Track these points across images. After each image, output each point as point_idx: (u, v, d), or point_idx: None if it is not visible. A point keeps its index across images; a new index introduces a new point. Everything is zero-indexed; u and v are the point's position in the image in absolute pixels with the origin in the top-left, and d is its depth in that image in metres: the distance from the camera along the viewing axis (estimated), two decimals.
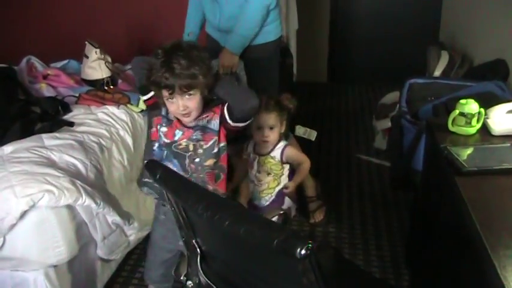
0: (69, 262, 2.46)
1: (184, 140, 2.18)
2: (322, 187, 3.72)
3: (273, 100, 2.78)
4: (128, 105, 3.13)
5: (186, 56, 2.02)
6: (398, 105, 3.55)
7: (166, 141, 2.21)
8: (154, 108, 2.26)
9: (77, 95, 3.22)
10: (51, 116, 2.85)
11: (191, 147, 2.18)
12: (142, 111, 3.13)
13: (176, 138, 2.19)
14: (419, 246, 2.84)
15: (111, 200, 2.61)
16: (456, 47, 4.58)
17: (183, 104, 2.07)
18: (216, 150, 2.20)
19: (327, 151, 4.58)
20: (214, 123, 2.17)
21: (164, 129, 2.22)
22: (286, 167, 2.96)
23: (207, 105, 2.17)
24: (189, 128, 2.18)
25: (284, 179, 2.94)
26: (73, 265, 2.51)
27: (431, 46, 4.50)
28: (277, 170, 2.91)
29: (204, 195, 1.53)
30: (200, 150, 2.18)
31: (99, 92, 3.24)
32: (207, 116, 2.17)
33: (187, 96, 2.07)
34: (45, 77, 3.37)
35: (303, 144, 3.58)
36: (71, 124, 2.81)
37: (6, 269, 2.38)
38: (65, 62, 3.68)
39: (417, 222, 2.93)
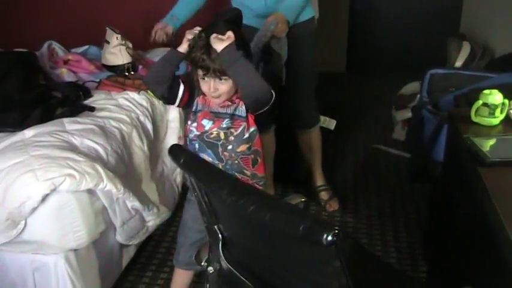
0: (88, 247, 2.46)
1: (215, 129, 2.19)
2: (339, 177, 3.72)
3: None
4: (148, 91, 3.12)
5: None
6: (419, 96, 3.53)
7: (197, 133, 2.22)
8: (188, 106, 2.28)
9: (98, 80, 3.23)
10: (72, 101, 2.86)
11: (222, 135, 2.19)
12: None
13: (207, 128, 2.20)
14: (437, 238, 2.82)
15: (131, 186, 2.61)
16: (477, 39, 4.54)
17: (214, 86, 2.11)
18: (246, 135, 2.21)
19: (345, 141, 4.57)
20: (241, 110, 2.18)
21: (194, 123, 2.24)
22: None
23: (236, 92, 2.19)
24: (218, 117, 2.19)
25: None
26: (92, 250, 2.52)
27: (452, 37, 4.47)
28: None
29: (227, 181, 1.52)
30: (231, 138, 2.19)
31: (119, 77, 3.24)
32: (234, 103, 2.18)
33: (219, 80, 2.10)
34: (65, 62, 3.38)
35: (323, 133, 3.58)
36: (92, 109, 2.81)
37: (27, 253, 2.39)
38: (86, 47, 3.69)
39: (436, 213, 2.91)
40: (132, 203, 2.58)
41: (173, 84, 2.21)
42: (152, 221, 2.82)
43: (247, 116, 2.19)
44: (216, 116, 2.20)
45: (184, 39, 2.16)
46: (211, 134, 2.20)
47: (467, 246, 2.28)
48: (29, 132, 2.51)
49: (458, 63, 4.19)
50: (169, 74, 2.19)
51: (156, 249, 3.19)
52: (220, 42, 2.05)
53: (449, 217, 2.60)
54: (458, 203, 2.44)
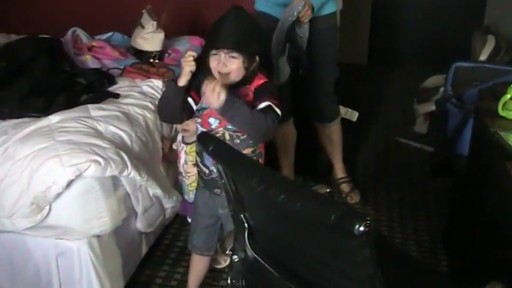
0: (111, 233, 2.47)
1: (221, 128, 2.18)
2: (360, 169, 3.70)
3: None
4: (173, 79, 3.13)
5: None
6: (443, 89, 3.51)
7: (204, 129, 2.21)
8: None
9: (122, 67, 3.23)
10: (97, 88, 2.86)
11: (227, 137, 2.18)
12: None
13: (213, 126, 2.19)
14: (460, 231, 2.80)
15: (153, 173, 2.62)
16: (502, 33, 4.50)
17: (223, 61, 2.09)
18: (252, 140, 2.22)
19: (366, 133, 4.54)
20: None
21: (199, 120, 2.24)
22: None
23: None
24: None
25: None
26: (114, 236, 2.52)
27: (477, 31, 4.43)
28: None
29: (257, 169, 1.52)
30: (237, 141, 2.19)
31: (143, 65, 3.24)
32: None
33: (229, 57, 2.09)
34: (90, 48, 3.38)
35: (344, 125, 3.57)
36: (117, 96, 2.81)
37: (51, 238, 2.39)
38: (110, 34, 3.68)
39: (458, 207, 2.89)
40: (154, 190, 2.59)
41: (185, 104, 2.21)
42: (170, 208, 2.83)
43: None
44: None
45: (182, 71, 2.16)
46: (217, 133, 2.19)
47: (493, 240, 2.26)
48: (54, 118, 2.51)
49: (483, 57, 4.16)
50: (179, 107, 2.20)
51: (176, 237, 3.19)
52: (214, 97, 2.03)
53: (473, 211, 2.58)
54: (484, 197, 2.42)
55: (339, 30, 3.33)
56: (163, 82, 3.07)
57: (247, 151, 2.20)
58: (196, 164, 2.35)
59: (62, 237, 2.39)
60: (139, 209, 2.59)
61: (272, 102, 2.13)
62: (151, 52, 3.36)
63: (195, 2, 4.13)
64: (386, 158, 4.17)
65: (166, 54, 3.51)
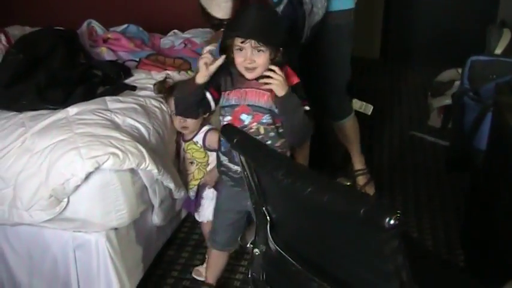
0: (128, 226, 2.47)
1: (255, 123, 2.16)
2: (375, 163, 3.68)
3: None
4: (189, 71, 3.12)
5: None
6: (459, 83, 3.48)
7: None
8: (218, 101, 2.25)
9: (137, 59, 3.21)
10: (113, 80, 2.85)
11: (262, 130, 2.16)
12: None
13: (246, 122, 2.16)
14: (477, 226, 2.78)
15: (168, 166, 2.61)
16: None
17: (251, 58, 2.05)
18: (290, 140, 2.23)
19: (380, 127, 4.52)
20: None
21: (228, 117, 2.20)
22: (212, 155, 2.67)
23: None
24: (257, 111, 2.16)
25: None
26: (132, 229, 2.52)
27: (492, 25, 4.39)
28: (201, 158, 2.70)
29: (283, 162, 1.50)
30: (272, 133, 2.18)
31: (159, 56, 3.23)
32: (268, 96, 2.14)
33: (257, 51, 2.05)
34: (105, 40, 3.37)
35: (358, 118, 3.55)
36: (134, 88, 2.81)
37: (69, 230, 2.39)
38: (124, 26, 3.66)
39: (476, 201, 2.87)
40: (168, 183, 2.57)
41: (202, 100, 2.18)
42: (179, 201, 2.83)
43: None
44: (254, 110, 2.16)
45: (201, 67, 2.11)
46: (251, 128, 2.17)
47: (509, 234, 2.25)
48: (72, 110, 2.51)
49: (499, 51, 4.11)
50: (195, 103, 2.18)
51: (191, 230, 3.19)
52: (279, 85, 2.03)
53: (492, 206, 2.56)
54: (503, 191, 2.40)
55: (353, 28, 3.20)
56: (179, 74, 3.06)
57: (279, 143, 2.20)
58: (219, 167, 2.32)
59: (80, 229, 2.39)
60: (156, 201, 2.58)
61: (309, 107, 2.14)
62: (223, 20, 3.30)
63: None
64: (401, 152, 4.15)
65: (183, 45, 3.49)
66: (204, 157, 2.69)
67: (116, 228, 2.40)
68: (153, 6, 4.16)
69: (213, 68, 2.09)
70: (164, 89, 2.74)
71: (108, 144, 2.28)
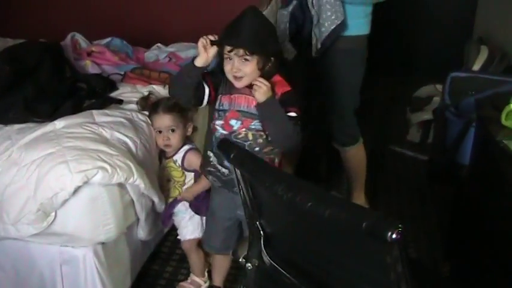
0: (115, 240, 2.45)
1: (244, 129, 2.18)
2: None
3: (172, 100, 2.59)
4: None
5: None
6: (441, 98, 3.53)
7: (224, 132, 2.20)
8: (214, 103, 2.27)
9: (122, 73, 3.20)
10: (99, 94, 2.84)
11: (250, 136, 2.19)
12: None
13: (235, 128, 2.19)
14: (461, 239, 2.81)
15: (153, 180, 2.60)
16: (494, 43, 4.54)
17: (238, 66, 2.09)
18: (275, 145, 2.23)
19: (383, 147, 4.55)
20: None
21: (220, 121, 2.23)
22: (190, 175, 2.69)
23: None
24: (246, 117, 2.18)
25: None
26: (119, 244, 2.51)
27: (470, 40, 4.47)
28: (178, 177, 2.69)
29: (283, 176, 1.51)
30: (260, 140, 2.19)
31: (144, 70, 3.22)
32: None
33: (243, 60, 2.08)
34: (89, 54, 3.35)
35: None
36: (120, 102, 2.79)
37: (56, 245, 2.37)
38: (108, 39, 3.65)
39: (460, 215, 2.90)
40: (154, 197, 2.56)
41: (198, 89, 2.20)
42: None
43: None
44: (243, 116, 2.19)
45: (200, 50, 2.12)
46: (240, 134, 2.20)
47: (497, 249, 2.27)
48: (59, 123, 2.48)
49: (476, 67, 4.18)
50: (191, 86, 2.19)
51: (174, 245, 3.16)
52: (261, 91, 2.06)
53: (475, 218, 2.59)
54: (488, 205, 2.43)
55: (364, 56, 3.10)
56: (164, 88, 3.05)
57: (267, 149, 2.22)
58: (207, 166, 2.33)
59: (67, 244, 2.37)
60: (142, 215, 2.56)
61: (298, 114, 2.15)
62: None
63: (198, 10, 4.13)
64: (382, 166, 4.18)
65: (168, 59, 3.49)
66: (181, 176, 2.68)
67: (103, 243, 2.38)
68: (136, 19, 4.17)
69: (212, 52, 2.12)
70: (147, 106, 2.73)
71: (97, 158, 2.26)
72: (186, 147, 2.65)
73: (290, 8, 2.84)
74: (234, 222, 2.44)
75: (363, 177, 3.41)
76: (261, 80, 2.08)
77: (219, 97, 2.24)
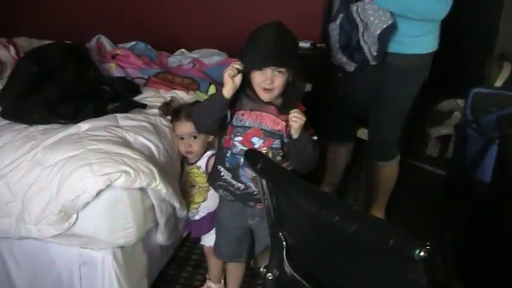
0: (134, 244, 2.45)
1: (265, 148, 2.19)
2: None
3: (193, 107, 2.59)
4: (197, 91, 3.12)
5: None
6: (463, 114, 3.52)
7: (244, 148, 2.19)
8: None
9: (146, 77, 3.21)
10: (123, 97, 2.85)
11: (270, 155, 2.19)
12: None
13: (256, 146, 2.19)
14: (476, 257, 2.80)
15: (174, 186, 2.60)
16: None
17: (271, 78, 2.08)
18: (298, 169, 2.24)
19: None
20: (287, 138, 2.17)
21: (239, 138, 2.22)
22: None
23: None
24: (269, 137, 2.18)
25: (212, 196, 2.64)
26: (137, 248, 2.51)
27: (492, 57, 4.45)
28: (202, 183, 2.66)
29: (310, 189, 1.51)
30: (278, 158, 2.21)
31: (168, 75, 3.22)
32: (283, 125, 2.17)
33: (277, 72, 2.08)
34: (113, 56, 3.36)
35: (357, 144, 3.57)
36: (144, 106, 2.80)
37: (75, 246, 2.38)
38: (133, 43, 3.66)
39: (477, 232, 2.89)
40: (175, 203, 2.57)
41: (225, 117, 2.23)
42: (183, 219, 2.82)
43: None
44: (267, 135, 2.19)
45: (227, 81, 2.13)
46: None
47: None
48: (83, 126, 2.50)
49: (499, 83, 4.17)
50: (220, 119, 2.22)
51: (191, 250, 3.18)
52: (297, 126, 2.08)
53: (493, 238, 2.58)
54: (507, 225, 2.42)
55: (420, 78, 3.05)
56: (188, 94, 3.06)
57: (284, 165, 2.22)
58: (217, 181, 2.34)
59: (87, 246, 2.38)
60: (162, 221, 2.57)
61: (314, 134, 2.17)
62: None
63: (222, 16, 4.15)
64: (398, 180, 4.16)
65: (191, 65, 3.50)
66: (206, 182, 2.66)
67: (122, 246, 2.39)
68: (160, 24, 4.18)
69: (238, 80, 2.12)
70: (169, 111, 2.73)
71: (121, 162, 2.27)
72: (208, 153, 2.64)
73: (338, 20, 2.86)
74: (244, 231, 2.45)
75: (388, 194, 3.42)
76: (298, 114, 2.08)
77: (237, 113, 2.22)
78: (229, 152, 2.24)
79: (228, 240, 2.48)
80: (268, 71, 2.08)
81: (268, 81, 2.08)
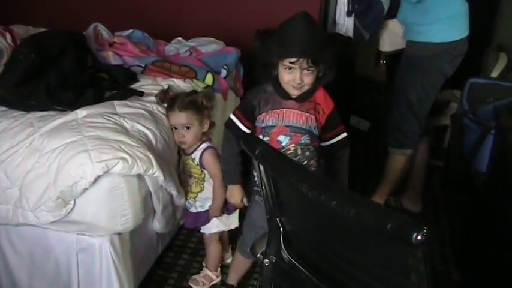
0: (131, 232, 2.46)
1: (293, 144, 2.18)
2: (371, 182, 3.69)
3: (188, 98, 2.63)
4: (194, 80, 3.11)
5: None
6: (459, 104, 3.52)
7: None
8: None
9: (143, 65, 3.20)
10: (120, 85, 2.84)
11: (299, 151, 2.18)
12: (207, 86, 3.11)
13: (284, 144, 2.18)
14: (474, 248, 2.81)
15: (172, 173, 2.61)
16: None
17: (300, 77, 2.05)
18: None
19: (376, 144, 4.55)
20: (316, 129, 2.18)
21: (266, 138, 2.21)
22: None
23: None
24: (296, 132, 2.17)
25: (209, 186, 2.67)
26: (134, 235, 2.51)
27: (490, 48, 4.45)
28: (198, 174, 2.68)
29: (309, 174, 1.51)
30: (307, 153, 2.19)
31: (165, 63, 3.21)
32: (311, 118, 2.17)
33: (306, 71, 2.05)
34: (111, 45, 3.35)
35: (357, 135, 3.57)
36: (141, 94, 2.79)
37: (73, 233, 2.38)
38: (130, 31, 3.63)
39: (475, 222, 2.90)
40: (172, 190, 2.57)
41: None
42: (180, 207, 2.82)
43: (320, 135, 2.21)
44: (292, 131, 2.18)
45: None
46: (289, 149, 2.19)
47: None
48: (81, 112, 2.49)
49: (495, 74, 4.17)
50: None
51: (188, 238, 3.20)
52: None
53: (491, 227, 2.59)
54: (505, 213, 2.42)
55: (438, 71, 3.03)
56: (185, 82, 3.05)
57: (312, 161, 2.22)
58: (253, 186, 2.35)
59: (84, 233, 2.38)
60: (159, 208, 2.57)
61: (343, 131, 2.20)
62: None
63: (219, 5, 4.14)
64: None
65: (188, 53, 3.49)
66: (201, 174, 2.67)
67: (119, 233, 2.39)
68: (157, 12, 4.17)
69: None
70: (166, 99, 2.73)
71: (118, 149, 2.27)
72: (204, 145, 2.63)
73: None
74: None
75: (390, 185, 3.42)
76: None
77: (259, 118, 2.21)
78: None
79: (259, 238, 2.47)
80: (297, 71, 2.04)
81: (298, 80, 2.06)
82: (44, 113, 2.54)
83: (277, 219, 1.82)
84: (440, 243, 3.28)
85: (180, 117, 2.58)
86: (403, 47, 3.17)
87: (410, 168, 3.47)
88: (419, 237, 1.24)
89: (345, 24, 4.29)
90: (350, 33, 4.38)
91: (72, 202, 2.28)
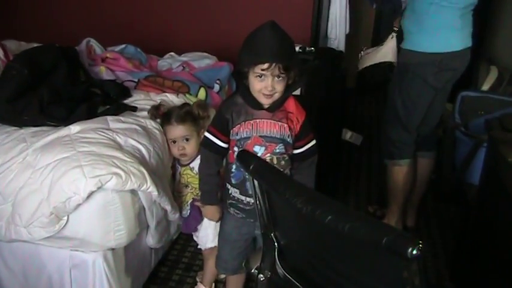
0: (124, 248, 2.45)
1: (268, 154, 2.16)
2: (364, 194, 3.69)
3: (183, 110, 2.64)
4: (187, 94, 3.12)
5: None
6: (451, 117, 3.54)
7: None
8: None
9: (136, 80, 3.21)
10: (113, 100, 2.85)
11: (275, 161, 2.17)
12: None
13: (260, 154, 2.16)
14: (467, 261, 2.81)
15: (165, 188, 2.60)
16: (504, 64, 4.55)
17: (273, 85, 2.04)
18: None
19: (368, 156, 4.57)
20: (290, 138, 2.18)
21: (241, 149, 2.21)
22: None
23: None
24: (271, 142, 2.16)
25: None
26: (128, 250, 2.50)
27: (480, 60, 4.48)
28: (195, 184, 2.64)
29: (303, 189, 1.51)
30: (282, 162, 2.19)
31: (158, 78, 3.22)
32: (284, 126, 2.17)
33: (277, 78, 2.03)
34: (103, 60, 3.36)
35: (351, 148, 3.58)
36: (134, 109, 2.80)
37: (66, 249, 2.37)
38: (122, 46, 3.65)
39: (468, 235, 2.90)
40: (166, 205, 2.57)
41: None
42: (174, 223, 2.82)
43: (293, 143, 2.20)
44: (267, 141, 2.16)
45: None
46: (264, 160, 2.16)
47: (506, 271, 2.27)
48: (74, 128, 2.49)
49: (485, 87, 4.20)
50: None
51: (181, 253, 3.19)
52: None
53: (484, 240, 2.59)
54: (498, 226, 2.43)
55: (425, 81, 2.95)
56: (178, 97, 3.06)
57: (287, 169, 2.23)
58: (227, 199, 2.32)
59: (78, 249, 2.37)
60: (152, 223, 2.57)
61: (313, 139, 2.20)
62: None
63: (211, 20, 4.16)
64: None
65: (181, 68, 3.50)
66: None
67: (113, 249, 2.38)
68: (149, 28, 4.18)
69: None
70: (158, 115, 2.72)
71: (112, 164, 2.27)
72: None
73: None
74: (249, 242, 2.43)
75: (395, 201, 3.35)
76: None
77: (232, 131, 2.19)
78: (234, 166, 2.23)
79: (234, 254, 2.43)
80: (268, 78, 2.03)
81: (270, 88, 2.04)
82: (37, 128, 2.54)
83: (272, 234, 1.82)
84: (433, 256, 3.28)
85: (179, 130, 2.59)
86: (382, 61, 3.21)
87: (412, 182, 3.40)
88: (414, 251, 1.24)
89: (337, 38, 4.33)
90: (342, 48, 4.43)
91: (65, 218, 2.27)
